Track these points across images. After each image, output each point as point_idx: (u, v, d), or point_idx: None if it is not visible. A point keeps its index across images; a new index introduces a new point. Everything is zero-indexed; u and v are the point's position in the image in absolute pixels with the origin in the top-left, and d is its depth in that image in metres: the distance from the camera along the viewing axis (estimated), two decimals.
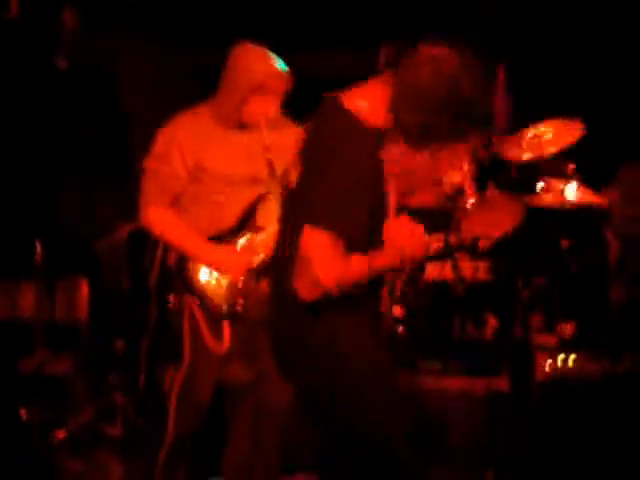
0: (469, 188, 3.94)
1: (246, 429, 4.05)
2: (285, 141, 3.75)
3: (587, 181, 4.83)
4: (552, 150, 4.72)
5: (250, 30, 3.94)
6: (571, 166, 4.77)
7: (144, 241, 4.21)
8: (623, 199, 5.05)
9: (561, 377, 4.62)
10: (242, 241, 3.91)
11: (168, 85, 5.75)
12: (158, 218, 3.88)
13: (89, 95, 5.24)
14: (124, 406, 4.75)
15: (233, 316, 3.88)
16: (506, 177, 4.75)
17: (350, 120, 2.94)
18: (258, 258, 3.88)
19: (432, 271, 4.47)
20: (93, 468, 4.49)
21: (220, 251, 3.87)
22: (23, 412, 4.52)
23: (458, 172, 3.79)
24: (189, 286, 3.87)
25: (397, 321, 4.62)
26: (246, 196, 3.90)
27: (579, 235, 5.06)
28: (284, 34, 3.86)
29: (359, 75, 3.05)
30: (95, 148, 5.21)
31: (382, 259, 2.96)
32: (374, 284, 3.04)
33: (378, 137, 2.95)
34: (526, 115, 4.92)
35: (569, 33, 5.71)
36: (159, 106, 5.18)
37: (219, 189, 3.88)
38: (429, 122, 2.88)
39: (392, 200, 3.05)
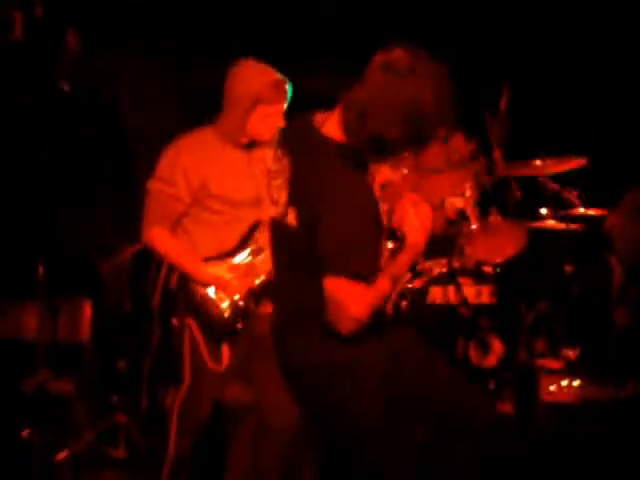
0: (472, 213, 3.94)
1: (246, 450, 4.05)
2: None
3: (591, 205, 4.83)
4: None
5: (250, 49, 3.96)
6: (575, 192, 4.76)
7: (147, 263, 4.21)
8: (627, 223, 5.03)
9: (565, 402, 4.60)
10: (243, 262, 3.91)
11: (168, 104, 5.75)
12: (161, 238, 3.90)
13: (90, 115, 5.26)
14: (127, 427, 4.74)
15: (233, 336, 3.89)
16: (509, 202, 4.74)
17: (332, 149, 2.93)
18: (258, 279, 3.89)
19: (435, 295, 4.46)
20: None
21: (221, 270, 3.88)
22: (25, 432, 4.51)
23: (461, 197, 3.80)
24: (189, 305, 3.88)
25: None
26: (248, 217, 3.91)
27: (582, 259, 5.05)
28: (284, 54, 3.86)
29: None
30: (97, 167, 5.22)
31: (399, 261, 2.99)
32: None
33: (360, 159, 2.95)
34: (528, 139, 4.92)
35: (574, 53, 5.70)
36: (158, 125, 5.21)
37: (222, 210, 3.90)
38: (386, 136, 2.86)
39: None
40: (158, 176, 3.92)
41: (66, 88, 4.84)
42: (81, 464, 4.56)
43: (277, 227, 3.11)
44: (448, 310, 4.47)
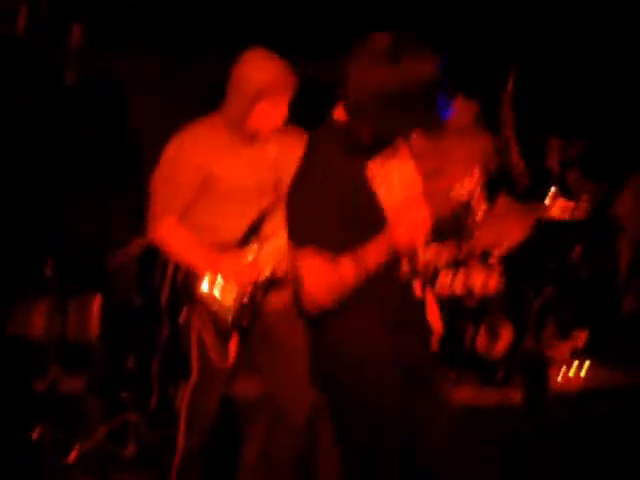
0: (480, 198, 3.94)
1: (258, 445, 4.04)
2: (292, 151, 3.74)
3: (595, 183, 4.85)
4: None
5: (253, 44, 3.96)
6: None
7: (155, 258, 4.21)
8: (636, 204, 5.05)
9: (574, 387, 4.61)
10: (250, 252, 3.90)
11: (172, 98, 5.76)
12: (167, 229, 3.87)
13: (95, 109, 5.26)
14: (137, 424, 4.73)
15: (240, 330, 3.88)
16: (517, 186, 4.75)
17: (335, 131, 2.97)
18: (265, 270, 3.89)
19: (444, 281, 4.47)
20: None
21: (228, 260, 3.86)
22: (36, 431, 4.51)
23: (469, 181, 3.79)
24: (196, 300, 3.86)
25: None
26: (254, 207, 3.88)
27: (589, 244, 5.06)
28: (283, 54, 3.86)
29: None
30: (103, 163, 5.23)
31: (375, 244, 2.94)
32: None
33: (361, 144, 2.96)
34: (532, 123, 4.93)
35: (579, 41, 5.72)
36: (162, 118, 5.21)
37: (227, 200, 3.86)
38: (380, 122, 2.88)
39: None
40: (163, 166, 3.89)
41: (71, 79, 4.84)
42: (91, 462, 4.56)
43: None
44: (457, 297, 4.48)
